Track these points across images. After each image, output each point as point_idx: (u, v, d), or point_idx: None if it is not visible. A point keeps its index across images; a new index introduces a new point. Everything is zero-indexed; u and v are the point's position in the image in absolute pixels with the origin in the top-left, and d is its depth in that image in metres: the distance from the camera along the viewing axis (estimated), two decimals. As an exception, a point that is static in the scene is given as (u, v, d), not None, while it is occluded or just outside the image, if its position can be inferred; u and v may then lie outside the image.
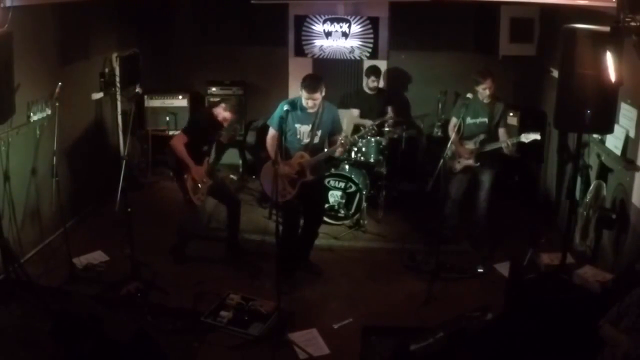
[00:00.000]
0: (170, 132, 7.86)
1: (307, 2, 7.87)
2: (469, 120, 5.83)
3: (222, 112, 5.62)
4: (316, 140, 5.26)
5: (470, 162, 5.85)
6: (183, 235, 5.86)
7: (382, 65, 7.80)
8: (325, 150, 5.35)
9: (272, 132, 5.32)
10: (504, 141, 5.70)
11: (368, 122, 7.06)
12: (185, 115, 7.82)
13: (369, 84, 7.26)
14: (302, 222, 5.63)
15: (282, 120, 5.12)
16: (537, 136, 5.60)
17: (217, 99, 7.76)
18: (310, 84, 5.09)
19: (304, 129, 5.21)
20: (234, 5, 7.81)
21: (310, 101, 5.09)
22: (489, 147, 5.77)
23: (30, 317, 4.60)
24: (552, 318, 3.99)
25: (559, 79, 4.19)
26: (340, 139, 5.25)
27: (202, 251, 6.04)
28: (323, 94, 5.16)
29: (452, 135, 5.69)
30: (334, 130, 5.33)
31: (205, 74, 8.06)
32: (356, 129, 7.26)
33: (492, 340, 4.08)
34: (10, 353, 4.28)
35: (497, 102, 5.84)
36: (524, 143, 5.70)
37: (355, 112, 7.32)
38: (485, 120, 5.82)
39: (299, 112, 5.17)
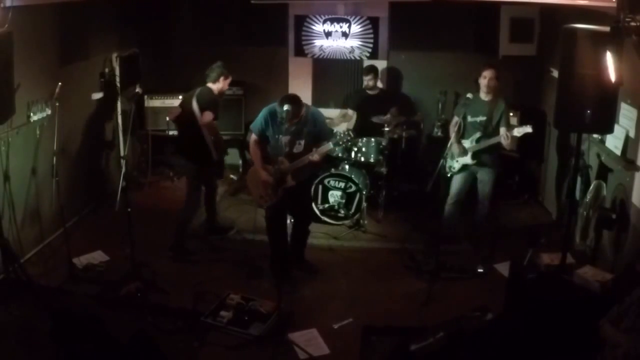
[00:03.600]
0: (170, 132, 7.87)
1: (307, 2, 7.87)
2: (469, 118, 5.82)
3: (220, 85, 5.89)
4: (299, 149, 5.22)
5: (467, 160, 5.85)
6: (183, 231, 5.94)
7: (382, 65, 7.81)
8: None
9: (253, 137, 5.36)
10: (503, 134, 5.65)
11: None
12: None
13: (365, 82, 7.27)
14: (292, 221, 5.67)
15: (266, 128, 5.19)
16: (529, 129, 5.58)
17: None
18: (292, 111, 4.98)
19: (285, 139, 5.20)
20: (234, 6, 7.82)
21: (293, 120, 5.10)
22: (486, 143, 5.76)
23: (30, 317, 4.60)
24: (552, 318, 3.99)
25: (559, 79, 4.19)
26: (317, 147, 5.19)
27: (202, 251, 6.04)
28: (303, 111, 5.14)
29: (453, 134, 5.69)
30: (320, 137, 5.27)
31: (205, 74, 8.05)
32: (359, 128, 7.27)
33: (492, 340, 4.09)
34: (10, 353, 4.28)
35: (498, 101, 5.82)
36: (520, 139, 5.68)
37: (350, 112, 7.33)
38: (485, 118, 5.81)
39: (280, 123, 5.09)
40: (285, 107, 4.97)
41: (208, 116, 5.72)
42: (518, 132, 5.61)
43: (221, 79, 5.89)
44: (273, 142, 5.24)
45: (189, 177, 6.04)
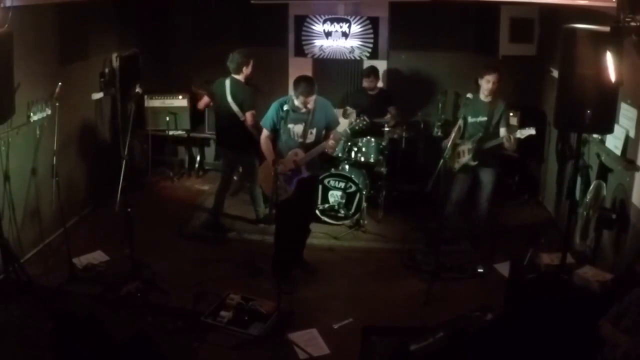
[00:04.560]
0: (170, 132, 7.87)
1: (307, 2, 7.87)
2: (470, 119, 5.83)
3: (244, 74, 6.17)
4: (311, 138, 5.26)
5: (469, 160, 5.85)
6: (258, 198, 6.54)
7: (382, 65, 7.81)
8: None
9: (265, 132, 5.37)
10: (505, 136, 5.65)
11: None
12: (185, 115, 7.83)
13: (366, 84, 7.27)
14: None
15: (277, 121, 5.19)
16: (532, 131, 5.57)
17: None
18: (307, 88, 5.09)
19: (297, 129, 5.23)
20: (234, 5, 7.82)
21: (306, 103, 5.13)
22: (488, 145, 5.76)
23: (30, 317, 4.61)
24: (552, 318, 3.99)
25: (559, 79, 4.18)
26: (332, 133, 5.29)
27: (202, 251, 6.05)
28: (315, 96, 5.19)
29: (452, 134, 5.69)
30: (329, 125, 5.33)
31: (205, 74, 8.04)
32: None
33: (492, 340, 4.08)
34: (10, 353, 4.29)
35: (498, 101, 5.82)
36: (522, 140, 5.69)
37: (349, 109, 7.31)
38: (485, 119, 5.81)
39: (291, 112, 5.17)
40: (302, 85, 5.09)
41: (252, 118, 6.01)
42: (521, 134, 5.58)
43: (243, 68, 6.13)
44: (285, 134, 5.24)
45: (239, 165, 6.60)
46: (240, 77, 6.18)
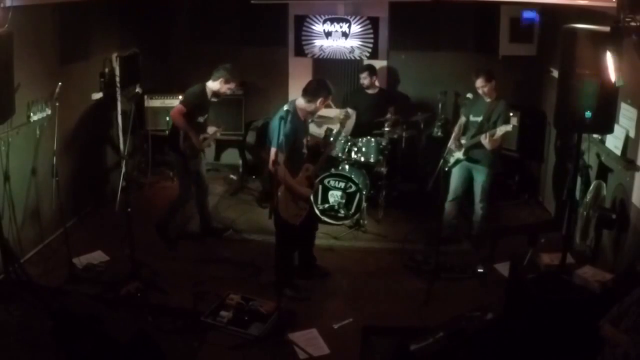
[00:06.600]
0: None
1: (307, 2, 7.87)
2: (471, 117, 5.89)
3: (218, 86, 5.89)
4: (305, 148, 5.22)
5: (459, 155, 5.91)
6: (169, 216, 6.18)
7: (382, 65, 7.81)
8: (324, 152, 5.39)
9: (281, 156, 4.70)
10: (483, 135, 5.69)
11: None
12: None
13: (360, 80, 7.27)
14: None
15: (292, 138, 4.79)
16: (509, 127, 5.61)
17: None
18: (327, 89, 5.02)
19: (304, 141, 5.18)
20: (234, 5, 7.82)
21: (329, 106, 5.19)
22: (469, 143, 5.83)
23: (30, 317, 4.61)
24: (552, 318, 4.00)
25: (559, 79, 4.19)
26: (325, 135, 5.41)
27: (202, 251, 6.05)
28: None
29: (454, 132, 5.72)
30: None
31: (204, 74, 8.01)
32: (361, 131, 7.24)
33: (492, 340, 4.09)
34: (10, 353, 4.29)
35: (499, 102, 5.84)
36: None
37: (350, 110, 7.31)
38: (482, 118, 5.84)
39: (298, 123, 4.97)
40: (324, 87, 5.00)
41: (175, 108, 5.83)
42: (500, 130, 5.62)
43: (220, 80, 5.89)
44: (295, 152, 4.89)
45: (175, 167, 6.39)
46: (210, 84, 5.90)
